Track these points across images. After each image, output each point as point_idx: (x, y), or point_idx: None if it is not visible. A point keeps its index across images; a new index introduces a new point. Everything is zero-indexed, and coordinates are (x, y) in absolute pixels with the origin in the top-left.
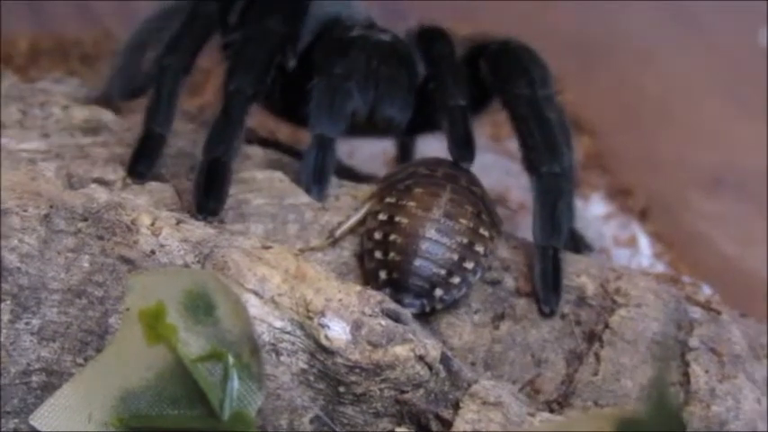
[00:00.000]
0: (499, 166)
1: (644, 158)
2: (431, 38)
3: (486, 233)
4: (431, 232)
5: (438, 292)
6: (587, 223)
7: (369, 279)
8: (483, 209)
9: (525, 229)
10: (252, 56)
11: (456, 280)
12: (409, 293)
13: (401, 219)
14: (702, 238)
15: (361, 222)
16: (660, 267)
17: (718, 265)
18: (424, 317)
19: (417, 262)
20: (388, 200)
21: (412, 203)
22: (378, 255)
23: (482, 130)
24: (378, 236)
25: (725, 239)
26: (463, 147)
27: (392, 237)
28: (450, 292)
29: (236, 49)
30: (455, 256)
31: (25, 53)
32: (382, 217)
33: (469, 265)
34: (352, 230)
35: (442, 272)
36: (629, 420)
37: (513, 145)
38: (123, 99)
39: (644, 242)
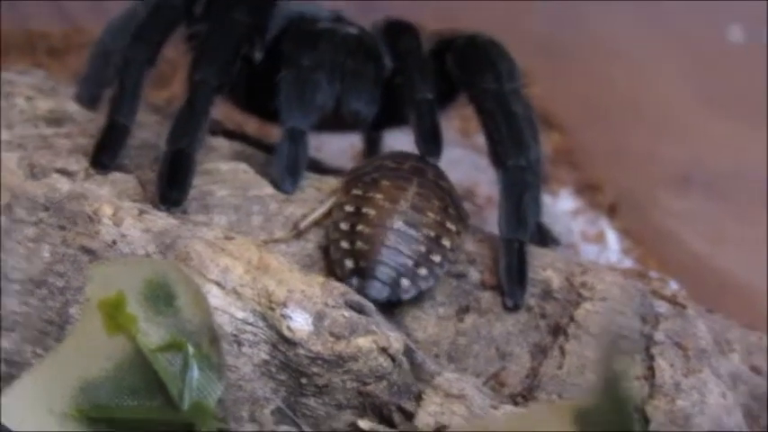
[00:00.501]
0: (468, 161)
1: (613, 154)
2: (398, 32)
3: (452, 227)
4: (398, 223)
5: (405, 282)
6: (556, 218)
7: (334, 269)
8: (450, 203)
9: (493, 223)
10: (217, 47)
11: (423, 272)
12: (376, 282)
13: (368, 210)
14: (671, 235)
15: (327, 215)
16: (628, 263)
17: (686, 262)
18: (389, 310)
19: (384, 251)
20: (354, 192)
21: (379, 196)
22: (344, 245)
23: (451, 124)
24: (344, 226)
25: (693, 236)
26: (430, 141)
27: (359, 227)
28: (417, 283)
29: (201, 39)
30: (422, 248)
31: None
32: (349, 208)
33: (436, 258)
34: (316, 223)
35: (409, 263)
36: (585, 411)
37: (481, 140)
38: (89, 105)
39: (612, 238)
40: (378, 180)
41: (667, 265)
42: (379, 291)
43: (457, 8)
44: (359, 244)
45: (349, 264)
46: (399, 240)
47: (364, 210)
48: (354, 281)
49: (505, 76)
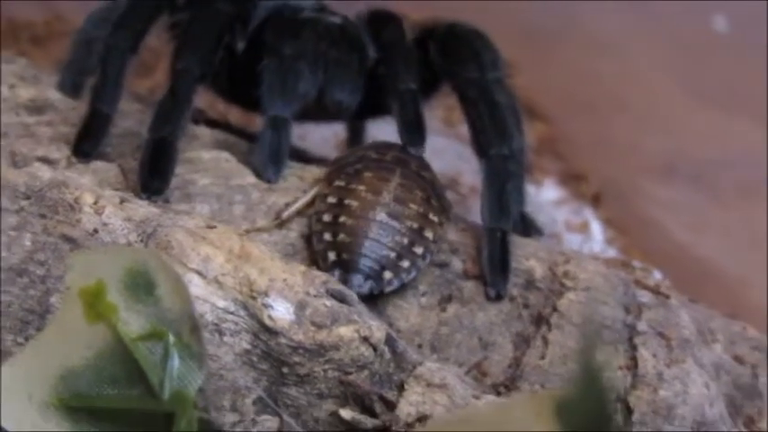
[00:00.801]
0: (451, 150)
1: (597, 144)
2: (381, 21)
3: (435, 219)
4: (381, 215)
5: (387, 274)
6: (540, 208)
7: (317, 261)
8: (432, 194)
9: (476, 212)
10: (200, 35)
11: (405, 264)
12: (359, 274)
13: (351, 202)
14: (655, 225)
15: (309, 205)
16: (612, 253)
17: (669, 252)
18: (371, 299)
19: (367, 243)
20: (337, 183)
21: (361, 187)
22: (327, 236)
23: (434, 113)
24: (327, 218)
25: (677, 226)
26: (413, 131)
27: (342, 218)
28: (400, 275)
29: (184, 28)
30: (405, 240)
31: None
32: (332, 200)
33: (419, 249)
34: (299, 212)
35: (392, 254)
36: (567, 401)
37: (465, 129)
38: (73, 95)
39: (596, 228)
40: (360, 171)
41: (651, 255)
42: (362, 283)
43: None
44: (341, 236)
45: (332, 256)
46: (382, 232)
47: (347, 201)
48: (337, 273)
49: (488, 65)
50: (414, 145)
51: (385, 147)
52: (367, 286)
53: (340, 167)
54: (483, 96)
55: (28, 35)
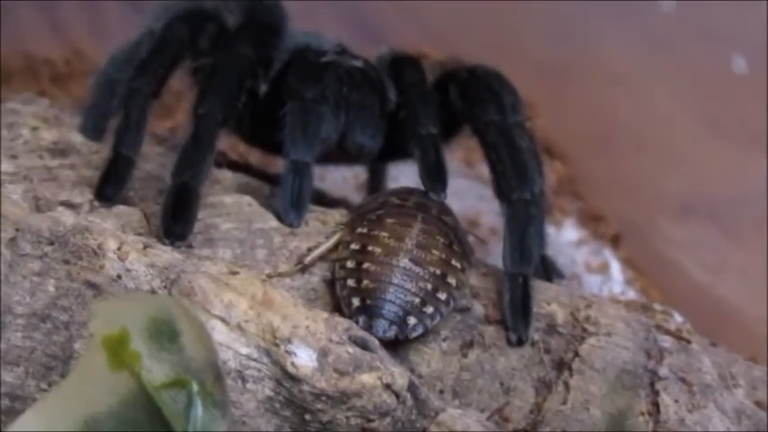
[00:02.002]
0: (471, 191)
1: (616, 184)
2: (402, 65)
3: (457, 264)
4: (404, 261)
5: (411, 320)
6: (559, 249)
7: (340, 306)
8: (454, 240)
9: (496, 254)
10: (223, 80)
11: (429, 309)
12: (383, 320)
13: (374, 248)
14: (673, 265)
15: (331, 250)
16: (632, 294)
17: (688, 292)
18: (393, 344)
19: (391, 289)
20: (359, 230)
21: (384, 233)
22: (351, 282)
23: (454, 154)
24: (351, 264)
25: (695, 266)
26: (435, 177)
27: (365, 265)
28: (424, 321)
29: (206, 73)
30: (428, 286)
31: None
32: (355, 246)
33: (442, 295)
34: (321, 258)
35: (416, 300)
36: None
37: (485, 170)
38: (94, 138)
39: (616, 268)
40: (382, 217)
41: (670, 295)
42: (386, 329)
43: (456, 35)
44: (365, 282)
45: (356, 302)
46: (405, 278)
47: (370, 247)
48: (361, 319)
49: (509, 108)
50: (435, 191)
51: (406, 192)
52: (391, 332)
53: (362, 214)
54: (504, 140)
55: (48, 73)
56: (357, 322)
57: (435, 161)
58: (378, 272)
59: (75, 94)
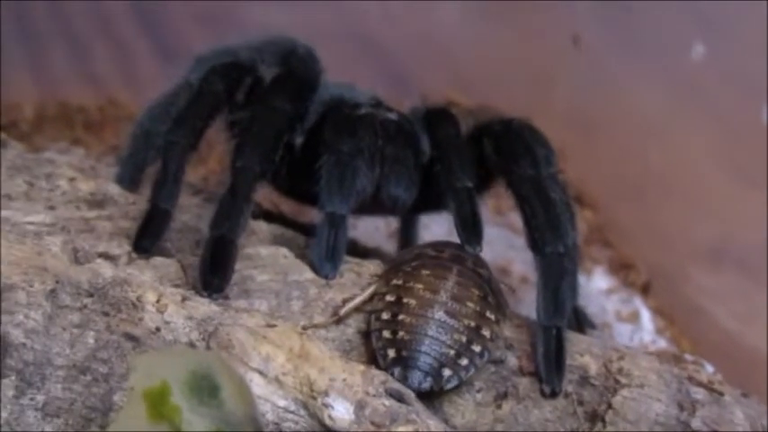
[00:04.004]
0: (502, 239)
1: (646, 232)
2: (437, 118)
3: (492, 316)
4: (439, 314)
5: (446, 372)
6: (589, 298)
7: (376, 358)
8: (489, 291)
9: (527, 304)
10: (259, 134)
11: (464, 361)
12: (418, 372)
13: (409, 300)
14: (704, 313)
15: (366, 302)
16: (662, 343)
17: (719, 341)
18: (427, 395)
19: (426, 341)
20: (395, 281)
21: (419, 285)
22: (386, 334)
23: (484, 201)
24: (386, 316)
25: (726, 314)
26: (471, 230)
27: (401, 316)
28: (459, 373)
29: (243, 126)
30: (463, 338)
31: (30, 120)
32: (390, 298)
33: (477, 348)
34: (356, 309)
35: (451, 352)
36: None
37: (515, 218)
38: (131, 189)
39: (646, 317)
40: (418, 269)
41: (700, 344)
42: (422, 380)
43: (486, 83)
44: (401, 334)
45: (391, 353)
46: (440, 330)
47: (405, 299)
48: (396, 370)
49: (542, 161)
50: (471, 244)
51: (442, 245)
52: (427, 383)
53: (397, 265)
54: (537, 193)
55: (81, 120)
56: (392, 373)
57: (471, 214)
58: (413, 324)
59: (109, 142)
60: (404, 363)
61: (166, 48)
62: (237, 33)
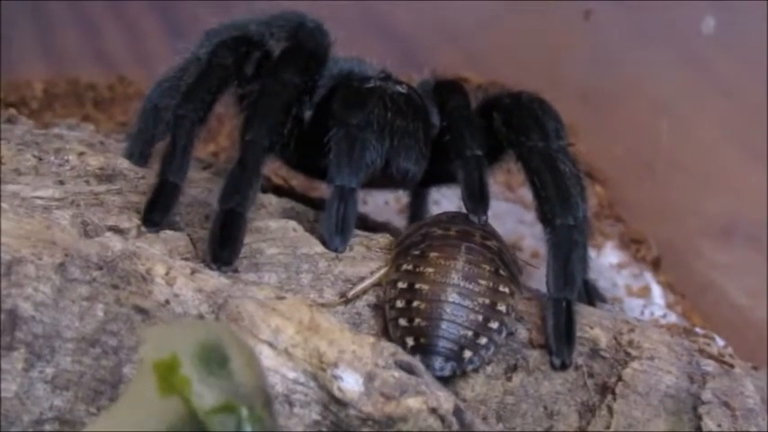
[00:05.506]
0: (513, 215)
1: (657, 207)
2: (446, 90)
3: (506, 290)
4: (453, 296)
5: (467, 353)
6: (600, 272)
7: (386, 331)
8: (500, 264)
9: (538, 278)
10: (268, 107)
11: (483, 341)
12: (439, 357)
13: (421, 285)
14: (714, 288)
15: (375, 284)
16: (673, 317)
17: (729, 316)
18: None
19: (444, 325)
20: (405, 267)
21: (429, 269)
22: (403, 322)
23: (495, 178)
24: (400, 304)
25: (736, 289)
26: (477, 198)
27: (415, 303)
28: (479, 352)
29: (252, 100)
30: (479, 317)
31: (40, 97)
32: (402, 285)
33: (494, 324)
34: (364, 292)
35: (469, 333)
36: None
37: (526, 193)
38: (140, 164)
39: (657, 292)
40: (426, 252)
41: (710, 319)
42: (444, 365)
43: (498, 60)
44: (417, 321)
45: (410, 341)
46: (456, 313)
47: (417, 285)
48: (418, 357)
49: (552, 134)
50: (477, 213)
51: (448, 220)
52: (448, 367)
53: (405, 249)
54: (547, 166)
55: (91, 98)
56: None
57: (479, 182)
58: (428, 309)
59: (118, 119)
60: (424, 349)
61: (176, 26)
62: (247, 10)
